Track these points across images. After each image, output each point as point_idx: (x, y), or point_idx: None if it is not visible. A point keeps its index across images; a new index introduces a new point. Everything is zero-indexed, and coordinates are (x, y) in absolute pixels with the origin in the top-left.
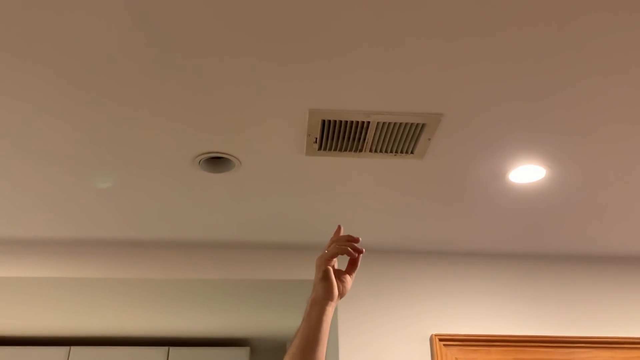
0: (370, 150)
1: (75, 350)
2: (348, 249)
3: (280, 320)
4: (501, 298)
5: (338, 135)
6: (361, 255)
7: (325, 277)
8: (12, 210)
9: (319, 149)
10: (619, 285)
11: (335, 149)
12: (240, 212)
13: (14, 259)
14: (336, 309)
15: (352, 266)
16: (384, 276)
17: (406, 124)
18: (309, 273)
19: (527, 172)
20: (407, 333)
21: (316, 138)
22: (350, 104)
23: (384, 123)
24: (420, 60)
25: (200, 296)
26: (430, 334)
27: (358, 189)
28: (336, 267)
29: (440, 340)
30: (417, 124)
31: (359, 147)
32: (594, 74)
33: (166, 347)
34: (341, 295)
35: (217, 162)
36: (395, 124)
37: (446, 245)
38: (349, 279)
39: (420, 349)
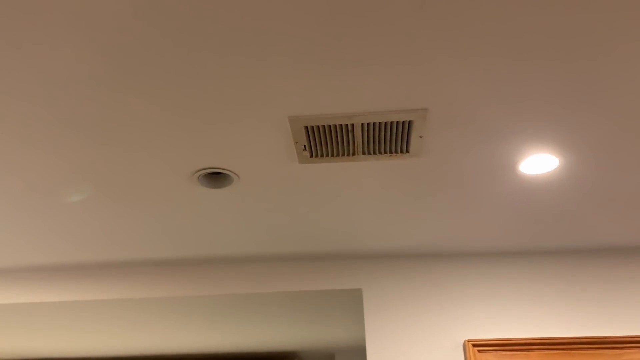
0: (363, 153)
1: None
2: None
3: (326, 331)
4: (538, 298)
5: (325, 140)
6: None
7: None
8: (43, 240)
9: (311, 156)
10: None
11: (327, 155)
12: (257, 226)
13: (59, 284)
14: (363, 319)
15: None
16: (410, 282)
17: (392, 122)
18: (345, 282)
19: (538, 162)
20: (438, 340)
21: (304, 145)
22: (329, 107)
23: (368, 124)
24: (395, 57)
25: (244, 311)
26: (462, 340)
27: (362, 194)
28: None
29: (474, 345)
30: (404, 122)
31: (350, 151)
32: (604, 53)
33: None
34: None
35: (217, 178)
36: (380, 123)
37: (470, 245)
38: None
39: (452, 356)
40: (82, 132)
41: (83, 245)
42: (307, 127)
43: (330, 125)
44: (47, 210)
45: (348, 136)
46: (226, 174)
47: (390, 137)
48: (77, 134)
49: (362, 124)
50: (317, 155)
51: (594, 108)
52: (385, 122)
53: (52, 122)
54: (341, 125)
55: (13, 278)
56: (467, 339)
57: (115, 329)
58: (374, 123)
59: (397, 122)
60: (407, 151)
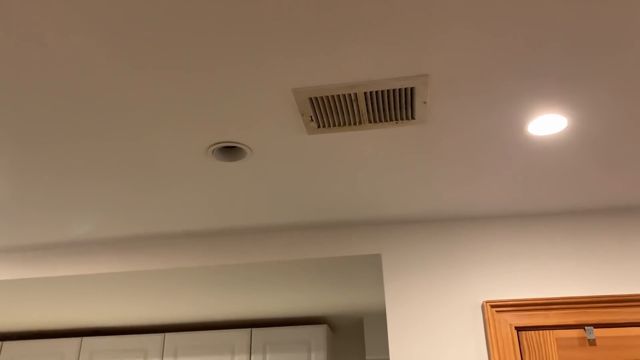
0: (369, 121)
1: (169, 336)
2: None
3: (353, 297)
4: (554, 259)
5: (331, 110)
6: None
7: None
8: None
9: (318, 126)
10: None
11: (334, 125)
12: (275, 197)
13: (111, 256)
14: (382, 283)
15: None
16: (428, 246)
17: (394, 90)
18: (364, 248)
19: (547, 123)
20: (457, 302)
21: (311, 116)
22: (330, 78)
23: (371, 92)
24: (392, 25)
25: (272, 279)
26: (481, 301)
27: (374, 162)
28: None
29: (492, 306)
30: (406, 89)
31: (356, 120)
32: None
33: (249, 329)
34: None
35: (231, 152)
36: (383, 91)
37: (484, 208)
38: None
39: (471, 317)
40: (96, 120)
41: (114, 222)
42: (311, 98)
43: (333, 96)
44: (80, 194)
45: (353, 105)
46: (239, 148)
47: (395, 105)
48: (91, 122)
49: (365, 93)
50: (324, 126)
51: (602, 66)
52: (388, 90)
53: (68, 112)
54: (344, 95)
55: (56, 253)
56: (485, 300)
57: (146, 299)
58: (376, 91)
59: (400, 90)
60: (413, 117)
